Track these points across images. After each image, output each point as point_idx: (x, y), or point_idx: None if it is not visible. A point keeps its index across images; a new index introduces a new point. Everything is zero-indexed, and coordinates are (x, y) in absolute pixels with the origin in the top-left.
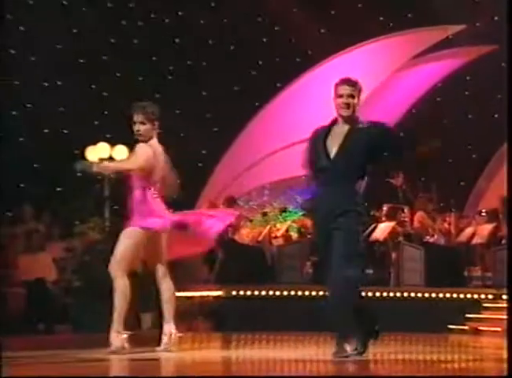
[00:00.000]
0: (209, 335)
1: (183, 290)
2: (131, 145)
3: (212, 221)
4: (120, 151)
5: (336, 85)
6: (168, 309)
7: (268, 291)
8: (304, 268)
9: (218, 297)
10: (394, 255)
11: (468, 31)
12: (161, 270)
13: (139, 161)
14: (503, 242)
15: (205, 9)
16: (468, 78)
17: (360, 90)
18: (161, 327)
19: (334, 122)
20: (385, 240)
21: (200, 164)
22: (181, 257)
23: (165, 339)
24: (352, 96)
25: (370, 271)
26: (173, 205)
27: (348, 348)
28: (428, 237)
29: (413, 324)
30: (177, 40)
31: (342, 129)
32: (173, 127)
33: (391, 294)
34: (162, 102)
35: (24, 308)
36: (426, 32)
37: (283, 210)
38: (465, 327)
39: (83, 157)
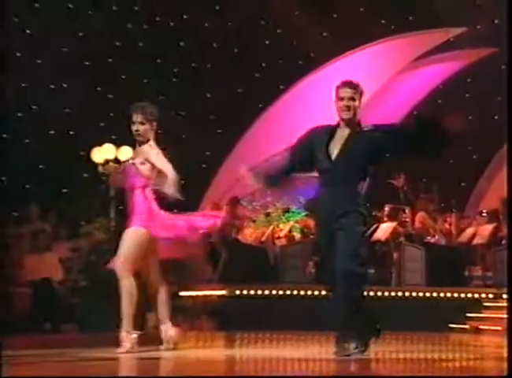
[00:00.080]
0: (212, 334)
1: (187, 290)
2: (135, 146)
3: (197, 224)
4: (126, 152)
5: (337, 88)
6: (163, 312)
7: (271, 291)
8: (306, 268)
9: (222, 296)
10: (395, 255)
11: (469, 33)
12: (156, 272)
13: (169, 164)
14: (504, 242)
15: (210, 13)
16: (468, 80)
17: (361, 93)
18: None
19: (337, 125)
20: (387, 240)
21: (204, 166)
22: (169, 259)
23: (165, 339)
24: (353, 99)
25: (372, 270)
26: (177, 206)
27: (349, 347)
28: (429, 237)
29: (414, 323)
30: (182, 43)
31: (343, 132)
32: (178, 129)
33: (393, 294)
34: (167, 104)
35: (31, 307)
36: (427, 35)
37: (286, 211)
38: (466, 327)
39: (89, 159)
